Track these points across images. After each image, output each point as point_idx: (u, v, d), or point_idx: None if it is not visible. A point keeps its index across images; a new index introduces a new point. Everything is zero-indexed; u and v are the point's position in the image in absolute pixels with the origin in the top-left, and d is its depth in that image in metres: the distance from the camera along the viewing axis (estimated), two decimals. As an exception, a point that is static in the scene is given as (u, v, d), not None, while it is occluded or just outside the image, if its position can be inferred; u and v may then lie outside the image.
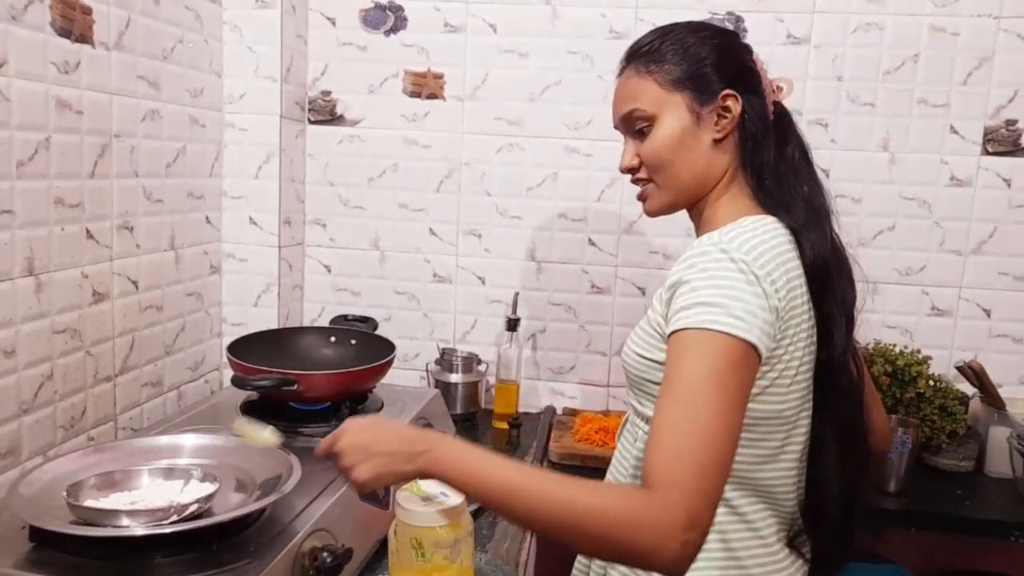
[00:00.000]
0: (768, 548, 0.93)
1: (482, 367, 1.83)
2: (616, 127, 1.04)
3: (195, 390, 1.65)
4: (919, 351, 1.70)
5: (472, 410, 1.80)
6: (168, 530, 0.82)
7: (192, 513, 0.85)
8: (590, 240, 1.83)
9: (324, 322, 1.89)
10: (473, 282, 1.87)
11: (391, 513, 0.95)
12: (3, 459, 1.13)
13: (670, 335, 0.84)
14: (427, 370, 1.83)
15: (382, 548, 1.02)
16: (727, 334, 0.80)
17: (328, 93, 1.84)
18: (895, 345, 1.71)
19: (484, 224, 1.85)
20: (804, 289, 0.90)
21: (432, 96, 1.83)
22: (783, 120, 1.01)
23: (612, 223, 1.82)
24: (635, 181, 1.03)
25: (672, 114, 0.96)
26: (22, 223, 1.14)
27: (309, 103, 1.85)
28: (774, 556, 0.94)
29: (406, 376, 1.87)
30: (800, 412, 0.93)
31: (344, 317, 1.81)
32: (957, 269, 1.74)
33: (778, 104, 1.02)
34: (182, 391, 1.61)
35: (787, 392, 0.89)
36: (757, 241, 0.89)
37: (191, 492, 0.91)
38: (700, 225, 1.02)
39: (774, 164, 0.98)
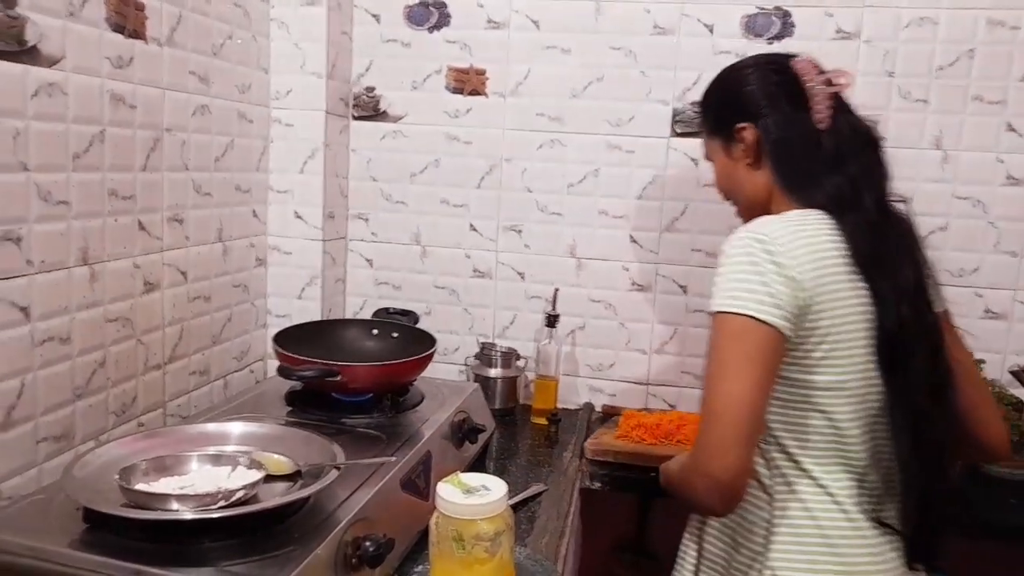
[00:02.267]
0: (853, 523, 0.99)
1: (521, 362, 1.83)
2: None
3: (240, 379, 1.68)
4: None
5: (511, 405, 1.81)
6: (216, 515, 0.83)
7: (239, 499, 0.86)
8: (631, 237, 1.82)
9: (366, 315, 1.91)
10: (513, 278, 1.87)
11: (432, 505, 0.95)
12: (58, 442, 1.17)
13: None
14: (466, 364, 1.84)
15: (423, 539, 1.02)
16: (725, 312, 0.94)
17: (372, 89, 1.86)
18: (946, 348, 1.67)
19: (524, 220, 1.85)
20: (847, 265, 0.97)
21: (474, 92, 1.83)
22: (839, 114, 1.06)
23: (653, 220, 1.80)
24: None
25: (715, 155, 1.17)
26: (77, 214, 1.17)
27: (353, 99, 1.87)
28: (860, 531, 0.99)
29: (445, 370, 1.87)
30: (869, 386, 0.98)
31: (386, 310, 1.82)
32: (1013, 271, 1.69)
33: (835, 99, 1.06)
34: (228, 380, 1.64)
35: (845, 364, 0.97)
36: (781, 223, 0.99)
37: (238, 478, 0.92)
38: None
39: (807, 161, 1.05)
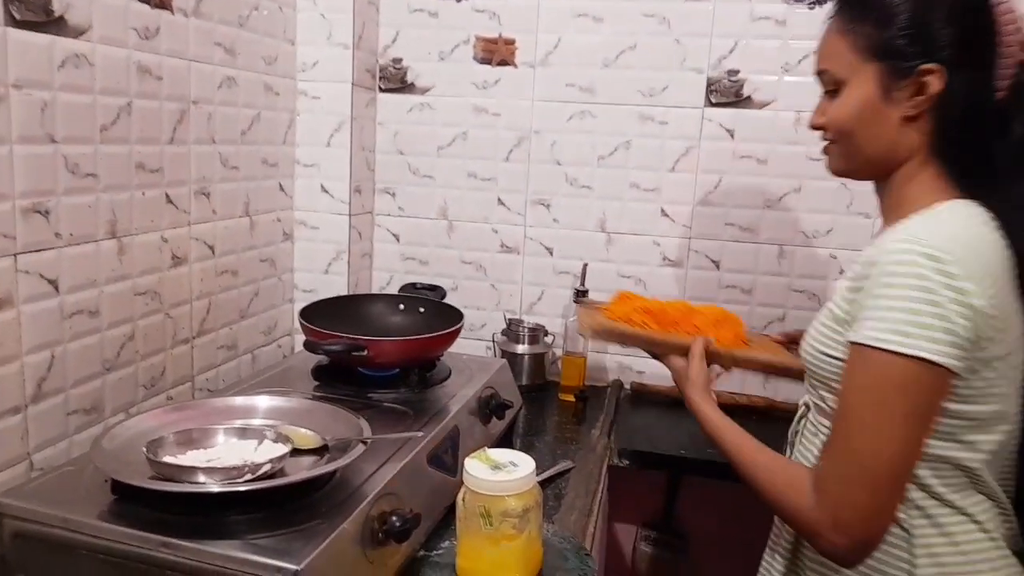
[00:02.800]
0: (1000, 549, 0.89)
1: (549, 339, 1.81)
2: (816, 77, 0.98)
3: (268, 354, 1.68)
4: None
5: (538, 382, 1.79)
6: (243, 488, 0.83)
7: (265, 473, 0.86)
8: (663, 211, 1.78)
9: (392, 290, 1.90)
10: (541, 252, 1.85)
11: (459, 480, 0.94)
12: (88, 415, 1.17)
13: (851, 343, 0.85)
14: (493, 340, 1.82)
15: (450, 515, 1.01)
16: (891, 352, 0.79)
17: (399, 60, 1.83)
18: None
19: (553, 194, 1.82)
20: (1011, 279, 0.85)
21: (503, 63, 1.79)
22: (1019, 90, 0.88)
23: (687, 193, 1.76)
24: (823, 138, 0.98)
25: (860, 85, 0.90)
26: (105, 187, 1.16)
27: (380, 71, 1.85)
28: (1007, 558, 0.89)
29: (472, 346, 1.86)
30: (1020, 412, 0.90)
31: (413, 285, 1.81)
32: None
33: (1020, 69, 0.87)
34: (256, 354, 1.64)
35: (1007, 393, 0.86)
36: (950, 230, 0.83)
37: (265, 452, 0.92)
38: (887, 207, 0.96)
39: (982, 146, 0.88)
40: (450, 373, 1.38)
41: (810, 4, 1.63)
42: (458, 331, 1.33)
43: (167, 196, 1.31)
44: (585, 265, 1.77)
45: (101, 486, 0.89)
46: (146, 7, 1.21)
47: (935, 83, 0.86)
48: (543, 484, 1.28)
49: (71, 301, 1.12)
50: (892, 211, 0.94)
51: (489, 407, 1.32)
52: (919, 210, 0.88)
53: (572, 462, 1.38)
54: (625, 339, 1.23)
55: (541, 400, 1.74)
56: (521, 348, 1.77)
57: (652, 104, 1.73)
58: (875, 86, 0.89)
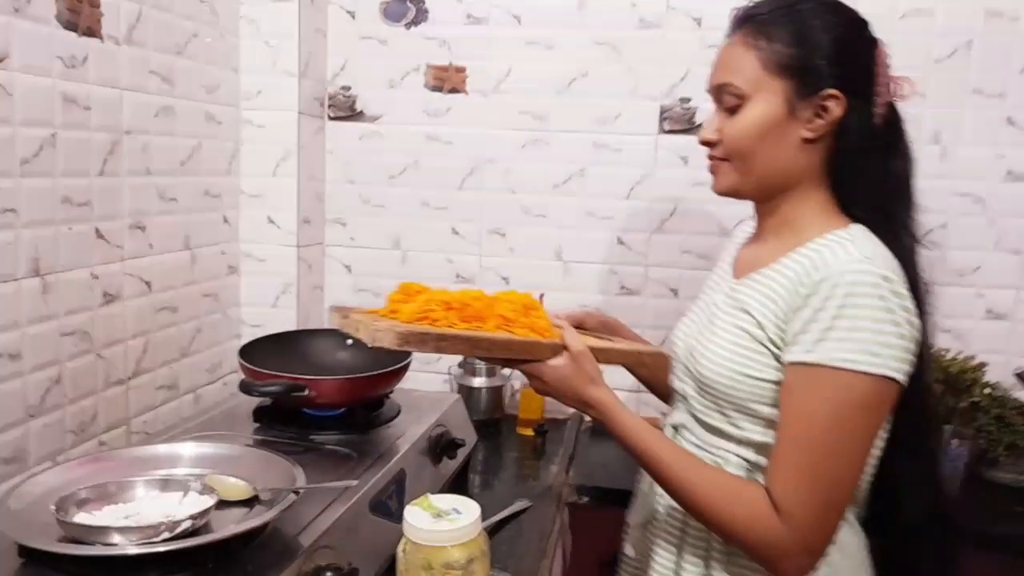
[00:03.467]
0: (865, 550, 0.94)
1: (507, 371, 1.76)
2: (708, 92, 0.96)
3: (213, 393, 1.61)
4: (973, 357, 1.59)
5: (496, 416, 1.74)
6: (161, 548, 0.76)
7: (186, 530, 0.79)
8: (619, 239, 1.75)
9: (345, 324, 1.84)
10: (497, 282, 1.81)
11: (400, 530, 0.89)
12: (8, 465, 1.10)
13: (797, 363, 0.83)
14: (450, 373, 1.77)
15: (390, 567, 0.96)
16: (864, 373, 0.79)
17: (348, 88, 1.80)
18: (948, 351, 1.60)
19: (508, 223, 1.79)
20: None
21: (454, 90, 1.77)
22: (894, 127, 0.93)
23: (642, 221, 1.74)
24: (709, 156, 0.96)
25: (766, 100, 0.89)
26: (27, 222, 1.10)
27: (329, 99, 1.80)
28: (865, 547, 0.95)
29: (429, 379, 1.81)
30: None
31: (364, 319, 1.75)
32: (1015, 270, 1.63)
33: (891, 106, 0.92)
34: (199, 394, 1.57)
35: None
36: (883, 249, 0.86)
37: (189, 505, 0.86)
38: (771, 226, 0.96)
39: (869, 175, 0.91)
40: (399, 411, 1.32)
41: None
42: (405, 368, 1.28)
43: (97, 231, 1.24)
44: (542, 295, 1.73)
45: (9, 547, 0.81)
46: (72, 35, 1.16)
47: (836, 108, 0.88)
48: (498, 526, 1.23)
49: (-13, 345, 1.05)
50: (779, 231, 0.95)
51: (439, 446, 1.27)
52: (822, 233, 0.89)
53: (529, 501, 1.33)
54: (452, 344, 0.94)
55: (498, 435, 1.69)
56: (478, 381, 1.72)
57: (606, 131, 1.72)
58: (781, 102, 0.89)
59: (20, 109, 1.08)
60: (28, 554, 0.79)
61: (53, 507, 0.80)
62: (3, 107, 1.05)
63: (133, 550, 0.77)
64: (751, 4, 0.93)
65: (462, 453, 1.32)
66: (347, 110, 1.80)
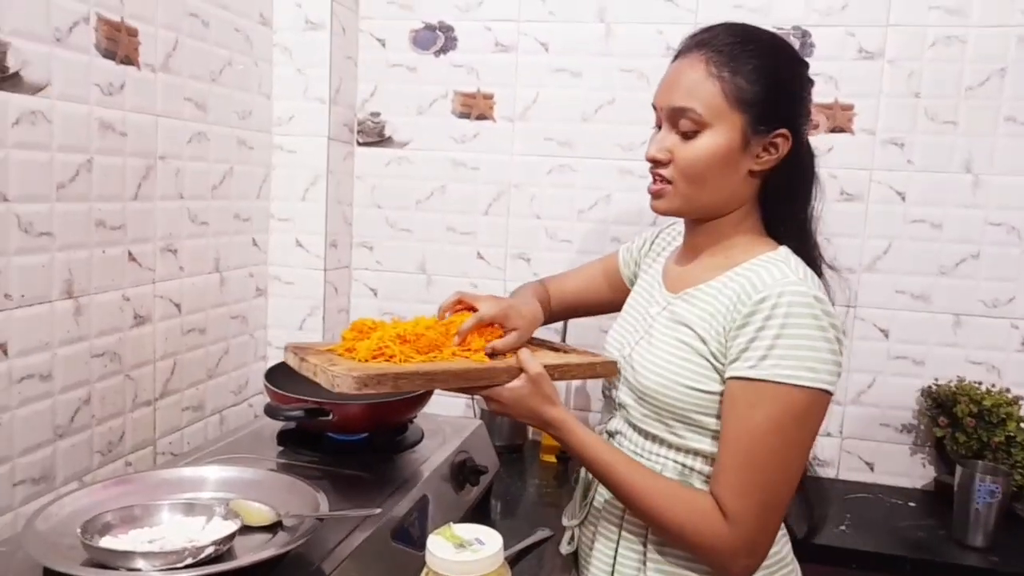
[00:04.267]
0: (789, 544, 1.02)
1: (530, 397, 1.75)
2: (655, 107, 0.97)
3: (238, 414, 1.62)
4: (1008, 390, 1.55)
5: (519, 442, 1.73)
6: (184, 575, 0.77)
7: (209, 556, 0.80)
8: (645, 266, 1.74)
9: (369, 347, 1.84)
10: (522, 308, 1.80)
11: (422, 558, 0.88)
12: (36, 484, 1.11)
13: (741, 378, 0.88)
14: (473, 399, 1.77)
15: (414, 596, 0.95)
16: (804, 387, 0.85)
17: (377, 115, 1.82)
18: (981, 383, 1.57)
19: (533, 248, 1.79)
20: None
21: (481, 117, 1.78)
22: (810, 158, 0.99)
23: (668, 248, 1.72)
24: (655, 174, 0.98)
25: (724, 132, 0.92)
26: (61, 245, 1.12)
27: (358, 125, 1.83)
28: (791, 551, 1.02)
29: (452, 405, 1.80)
30: None
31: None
32: (1051, 301, 1.59)
33: (807, 140, 0.99)
34: (224, 415, 1.58)
35: None
36: (811, 272, 0.93)
37: (213, 530, 0.86)
38: (701, 245, 1.01)
39: (795, 203, 0.98)
40: (422, 436, 1.32)
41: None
42: (429, 393, 1.28)
43: (130, 253, 1.27)
44: (566, 321, 1.73)
45: (35, 569, 0.82)
46: (111, 63, 1.19)
47: (783, 146, 0.93)
48: (519, 556, 1.21)
49: (20, 365, 1.07)
50: (712, 250, 1.00)
51: (463, 473, 1.26)
52: (753, 254, 0.95)
53: (550, 530, 1.31)
54: (410, 381, 0.92)
55: (522, 461, 1.68)
56: (501, 406, 1.71)
57: (631, 158, 1.72)
58: (738, 136, 0.92)
59: (58, 135, 1.11)
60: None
61: (79, 530, 0.81)
62: (42, 133, 1.08)
63: (156, 575, 0.77)
64: (706, 29, 0.96)
65: (484, 480, 1.31)
66: (376, 136, 1.82)
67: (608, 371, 1.05)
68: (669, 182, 0.96)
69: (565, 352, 1.12)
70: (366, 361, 0.96)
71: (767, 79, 0.91)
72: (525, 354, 0.99)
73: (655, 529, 0.95)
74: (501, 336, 1.05)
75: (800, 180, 0.98)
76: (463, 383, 0.96)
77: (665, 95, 0.96)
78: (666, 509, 0.91)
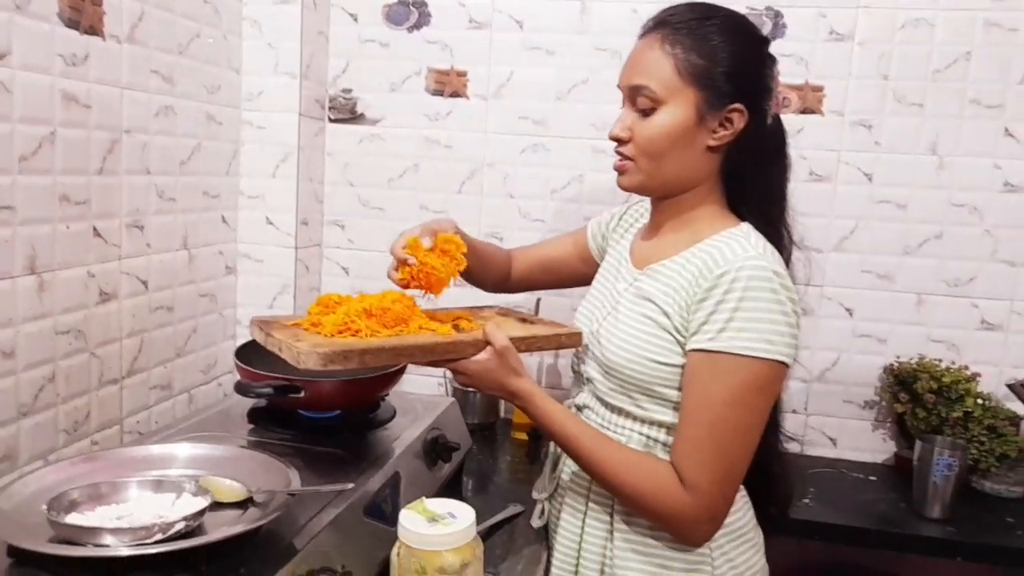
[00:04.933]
0: (752, 511, 1.06)
1: (502, 375, 1.76)
2: (620, 88, 1.01)
3: (207, 393, 1.61)
4: (967, 367, 1.59)
5: (491, 420, 1.74)
6: (153, 551, 0.76)
7: (179, 531, 0.79)
8: (617, 245, 1.75)
9: (341, 326, 1.83)
10: (495, 287, 1.80)
11: (394, 533, 0.89)
12: None
13: (700, 350, 0.90)
14: (445, 377, 1.77)
15: (384, 571, 0.95)
16: (762, 359, 0.88)
17: (349, 91, 1.80)
18: (941, 361, 1.61)
19: (506, 227, 1.79)
20: None
21: (455, 94, 1.77)
22: (778, 135, 1.02)
23: (640, 227, 1.74)
24: (618, 152, 1.02)
25: (678, 107, 0.94)
26: (23, 220, 1.10)
27: (329, 101, 1.80)
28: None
29: (424, 383, 1.81)
30: None
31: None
32: (1009, 281, 1.63)
33: (776, 117, 1.01)
34: (193, 394, 1.57)
35: None
36: (771, 248, 0.95)
37: (182, 507, 0.85)
38: (674, 221, 1.03)
39: (758, 181, 1.00)
40: (394, 414, 1.32)
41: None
42: (401, 371, 1.28)
43: (95, 229, 1.24)
44: (539, 299, 1.74)
45: (-1, 547, 0.81)
46: (74, 32, 1.16)
47: (739, 121, 0.95)
48: (490, 531, 1.23)
49: (-19, 342, 1.05)
50: (676, 227, 1.02)
51: (435, 450, 1.27)
52: (716, 230, 0.98)
53: (521, 506, 1.33)
54: (376, 356, 0.92)
55: (493, 439, 1.69)
56: (473, 385, 1.71)
57: (604, 138, 1.70)
58: (692, 111, 0.94)
59: (20, 106, 1.07)
60: (18, 555, 0.78)
61: (45, 507, 0.80)
62: (3, 104, 1.05)
63: (125, 551, 0.76)
64: (666, 9, 0.98)
65: (457, 457, 1.32)
66: (348, 112, 1.80)
67: (573, 341, 1.07)
68: (631, 159, 0.99)
69: (532, 323, 1.13)
70: (332, 336, 0.96)
71: (720, 55, 0.93)
72: (491, 327, 1.00)
73: (619, 499, 0.98)
74: (470, 320, 1.08)
75: (762, 157, 0.99)
76: (430, 357, 0.97)
77: (625, 75, 1.00)
78: (629, 479, 0.94)
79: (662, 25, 0.96)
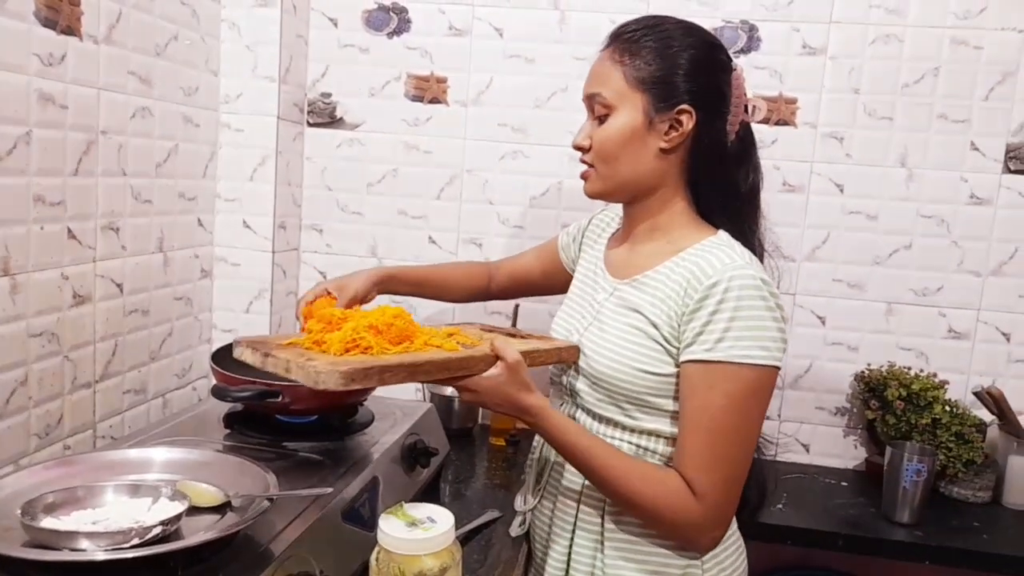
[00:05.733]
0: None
1: (480, 381, 1.76)
2: (583, 100, 1.05)
3: (181, 398, 1.59)
4: (935, 375, 1.63)
5: (469, 425, 1.74)
6: (129, 555, 0.75)
7: (156, 536, 0.78)
8: (594, 252, 1.77)
9: (318, 330, 1.82)
10: (473, 293, 1.81)
11: (373, 538, 0.89)
12: (-30, 468, 1.07)
13: (698, 361, 0.92)
14: (423, 383, 1.77)
15: (363, 573, 0.95)
16: (758, 366, 0.90)
17: (328, 95, 1.79)
18: (910, 368, 1.65)
19: (485, 233, 1.80)
20: None
21: (435, 100, 1.77)
22: (746, 142, 1.03)
23: (617, 235, 1.75)
24: (581, 160, 1.05)
25: (628, 112, 0.98)
26: (-3, 221, 1.08)
27: (308, 105, 1.80)
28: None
29: (402, 388, 1.79)
30: None
31: (338, 326, 1.74)
32: (976, 290, 1.68)
33: (745, 125, 1.03)
34: (167, 399, 1.55)
35: None
36: (752, 255, 0.97)
37: (159, 511, 0.85)
38: (647, 229, 1.05)
39: (723, 186, 1.02)
40: (373, 419, 1.32)
41: (735, 53, 1.67)
42: (381, 375, 1.27)
43: (69, 231, 1.23)
44: (517, 306, 1.75)
45: (-29, 552, 0.80)
46: (51, 32, 1.15)
47: (687, 122, 0.97)
48: (468, 536, 1.23)
49: (-48, 344, 1.03)
50: (651, 235, 1.05)
51: (413, 455, 1.27)
52: (694, 239, 1.00)
53: (499, 511, 1.33)
54: (395, 374, 0.90)
55: (471, 444, 1.69)
56: (451, 390, 1.71)
57: (583, 145, 1.73)
58: (641, 114, 0.97)
59: (-6, 106, 1.06)
60: (-8, 559, 0.77)
61: (19, 511, 0.78)
62: (-23, 103, 1.03)
63: (101, 556, 0.76)
64: (622, 24, 1.03)
65: (435, 462, 1.32)
66: (327, 117, 1.80)
67: (571, 356, 1.07)
68: (592, 165, 1.03)
69: (524, 338, 1.13)
70: (340, 355, 0.93)
71: (665, 60, 0.97)
72: (501, 341, 1.00)
73: (630, 511, 0.99)
74: (465, 336, 1.08)
75: (724, 162, 1.01)
76: (444, 373, 0.95)
77: (585, 86, 1.04)
78: (641, 489, 0.94)
79: (615, 38, 1.01)
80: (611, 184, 1.02)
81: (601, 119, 1.00)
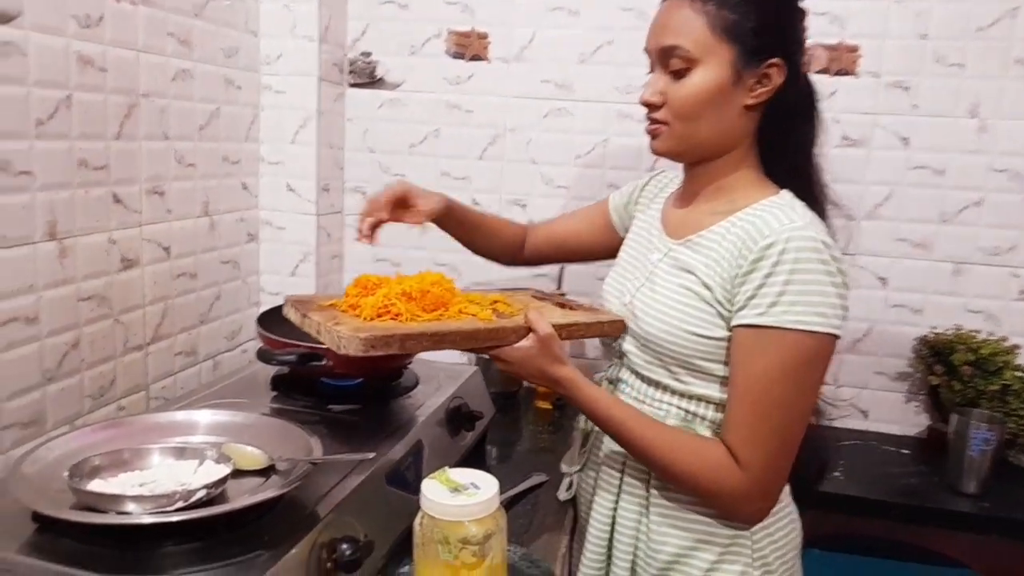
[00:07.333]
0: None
1: (525, 344, 1.74)
2: (647, 51, 0.96)
3: (231, 360, 1.61)
4: (1006, 339, 1.54)
5: (514, 388, 1.72)
6: (174, 518, 0.76)
7: (200, 499, 0.79)
8: (642, 212, 1.71)
9: (363, 294, 1.82)
10: (517, 255, 1.78)
11: (416, 503, 0.87)
12: (26, 428, 1.10)
13: (750, 325, 0.87)
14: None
15: (406, 540, 0.94)
16: (813, 332, 0.84)
17: (368, 55, 1.76)
18: (979, 332, 1.56)
19: (529, 194, 1.76)
20: None
21: (476, 57, 1.72)
22: (811, 95, 0.97)
23: (667, 194, 1.69)
24: (651, 118, 0.96)
25: (714, 65, 0.90)
26: (42, 185, 1.09)
27: (348, 65, 1.77)
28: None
29: (447, 352, 1.78)
30: None
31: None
32: (1052, 249, 1.57)
33: (806, 76, 0.97)
34: (218, 361, 1.57)
35: None
36: (815, 217, 0.91)
37: (204, 474, 0.85)
38: (708, 188, 0.99)
39: (793, 142, 0.96)
40: (417, 382, 1.31)
41: None
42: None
43: (114, 195, 1.23)
44: (562, 267, 1.71)
45: (24, 513, 0.81)
46: (88, -7, 1.14)
47: (777, 77, 0.91)
48: (513, 501, 1.22)
49: (4, 308, 1.04)
50: (711, 195, 0.98)
51: (458, 418, 1.25)
52: (755, 198, 0.94)
53: (545, 475, 1.32)
54: (417, 342, 0.90)
55: (516, 408, 1.68)
56: (496, 354, 1.70)
57: (630, 102, 1.66)
58: (729, 68, 0.89)
59: (34, 69, 1.06)
60: (41, 520, 0.78)
61: (66, 474, 0.79)
62: (17, 66, 1.03)
63: (147, 519, 0.76)
64: None
65: (480, 425, 1.30)
66: (367, 77, 1.77)
67: (615, 330, 1.04)
68: (664, 123, 0.95)
69: (572, 309, 1.10)
70: (371, 320, 0.93)
71: (754, 8, 0.89)
72: (533, 314, 0.97)
73: (671, 481, 0.95)
74: (508, 304, 1.06)
75: (798, 115, 0.95)
76: (471, 344, 0.95)
77: (654, 37, 0.94)
78: (679, 460, 0.91)
79: None
80: (686, 144, 0.95)
81: (677, 73, 0.91)
